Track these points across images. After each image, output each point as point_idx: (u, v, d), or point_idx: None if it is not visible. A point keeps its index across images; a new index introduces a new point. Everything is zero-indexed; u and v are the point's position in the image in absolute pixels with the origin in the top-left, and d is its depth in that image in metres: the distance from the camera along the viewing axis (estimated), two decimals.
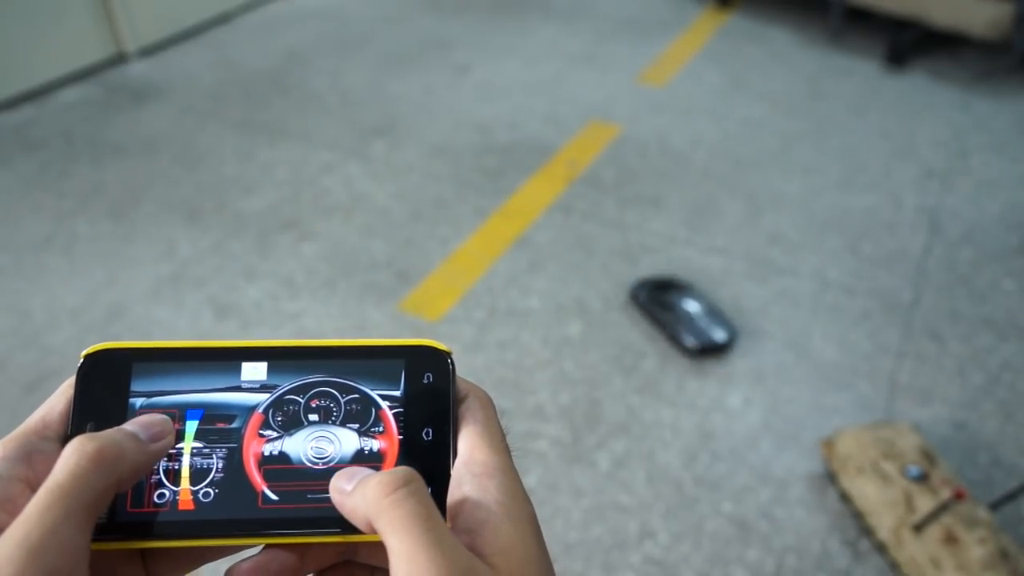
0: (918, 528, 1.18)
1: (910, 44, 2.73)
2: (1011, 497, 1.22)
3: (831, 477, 1.34)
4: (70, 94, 2.47)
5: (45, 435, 0.28)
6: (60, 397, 0.29)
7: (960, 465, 1.38)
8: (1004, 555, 1.13)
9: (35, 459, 0.27)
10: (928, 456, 1.27)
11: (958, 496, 1.20)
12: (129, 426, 0.27)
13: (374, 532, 0.26)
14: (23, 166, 2.13)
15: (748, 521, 1.29)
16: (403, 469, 0.26)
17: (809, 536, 1.27)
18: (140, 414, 0.29)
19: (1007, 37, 2.55)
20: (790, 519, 1.29)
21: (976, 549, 1.13)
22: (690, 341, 1.56)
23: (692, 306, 1.63)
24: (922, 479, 1.23)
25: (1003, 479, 1.36)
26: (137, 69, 2.63)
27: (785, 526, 1.28)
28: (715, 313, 1.62)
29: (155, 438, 0.28)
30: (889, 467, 1.25)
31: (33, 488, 0.27)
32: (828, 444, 1.35)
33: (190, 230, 1.90)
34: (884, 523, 1.21)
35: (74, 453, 0.25)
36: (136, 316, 1.66)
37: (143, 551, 0.30)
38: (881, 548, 1.23)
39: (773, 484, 1.35)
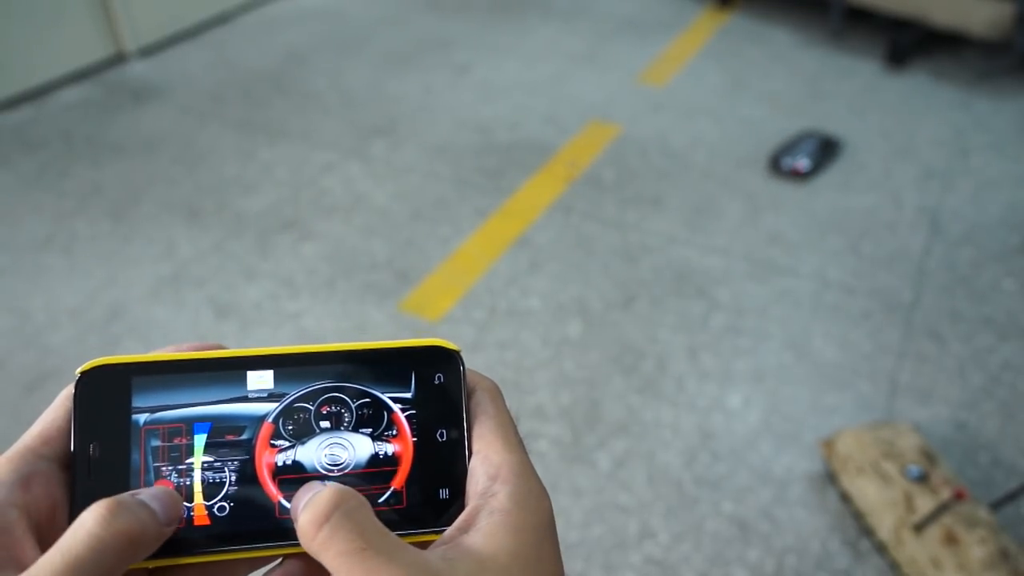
0: (918, 528, 1.18)
1: (910, 44, 2.73)
2: (1011, 497, 1.22)
3: (831, 477, 1.34)
4: (70, 94, 2.47)
5: (43, 454, 0.27)
6: (59, 410, 0.28)
7: (960, 465, 1.37)
8: (1004, 555, 1.12)
9: (33, 481, 0.26)
10: (928, 456, 1.27)
11: (958, 496, 1.19)
12: (151, 502, 0.26)
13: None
14: (23, 166, 2.13)
15: (748, 521, 1.29)
16: (326, 495, 0.25)
17: (809, 536, 1.27)
18: (145, 431, 0.28)
19: (1007, 37, 2.55)
20: (790, 519, 1.29)
21: (976, 549, 1.13)
22: (780, 162, 2.15)
23: (808, 149, 2.18)
24: (922, 479, 1.23)
25: (1003, 479, 1.35)
26: (137, 69, 2.63)
27: (785, 526, 1.28)
28: (818, 161, 2.16)
29: (171, 521, 0.26)
30: (889, 467, 1.25)
31: (31, 514, 0.25)
32: (828, 444, 1.35)
33: (190, 230, 1.90)
34: (884, 523, 1.21)
35: (98, 524, 0.23)
36: (136, 316, 1.66)
37: (151, 572, 0.28)
38: (881, 548, 1.23)
39: (773, 484, 1.35)
